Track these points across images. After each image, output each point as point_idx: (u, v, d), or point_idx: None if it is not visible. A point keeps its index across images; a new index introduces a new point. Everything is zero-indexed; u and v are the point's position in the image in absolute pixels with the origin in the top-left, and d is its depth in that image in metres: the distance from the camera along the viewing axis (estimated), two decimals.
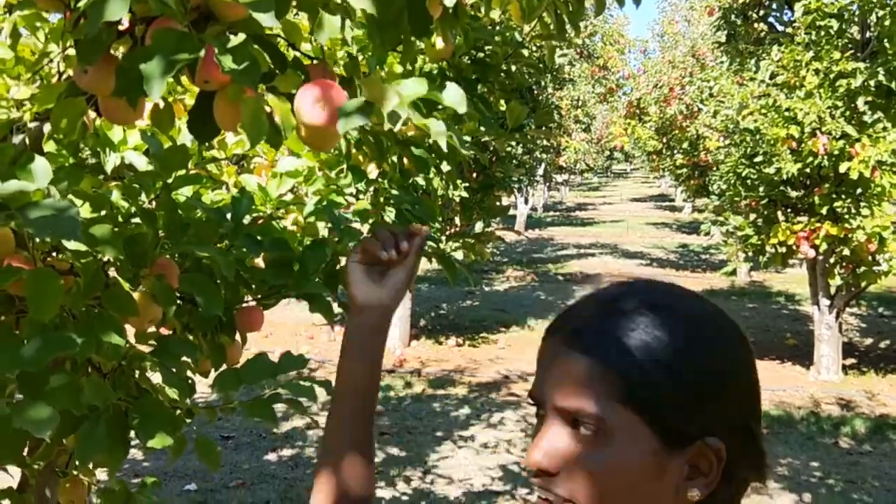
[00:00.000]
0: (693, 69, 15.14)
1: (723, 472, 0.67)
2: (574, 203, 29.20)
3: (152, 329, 1.57)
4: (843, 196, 5.96)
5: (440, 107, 1.25)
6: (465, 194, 6.25)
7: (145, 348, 1.55)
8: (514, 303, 10.39)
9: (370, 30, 1.13)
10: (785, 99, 5.82)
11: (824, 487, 4.71)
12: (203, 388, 1.70)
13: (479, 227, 4.78)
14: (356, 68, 1.19)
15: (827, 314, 6.82)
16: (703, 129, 12.45)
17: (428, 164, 1.25)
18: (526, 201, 18.94)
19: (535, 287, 11.75)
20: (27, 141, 1.29)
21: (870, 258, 6.08)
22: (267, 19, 0.92)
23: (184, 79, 1.31)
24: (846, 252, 6.12)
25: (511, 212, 17.08)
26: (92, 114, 1.38)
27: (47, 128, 1.34)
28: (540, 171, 16.08)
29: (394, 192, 1.96)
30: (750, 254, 6.86)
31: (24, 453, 1.72)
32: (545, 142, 10.30)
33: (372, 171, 2.07)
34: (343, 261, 1.83)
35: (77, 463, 1.85)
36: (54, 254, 1.45)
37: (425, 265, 10.14)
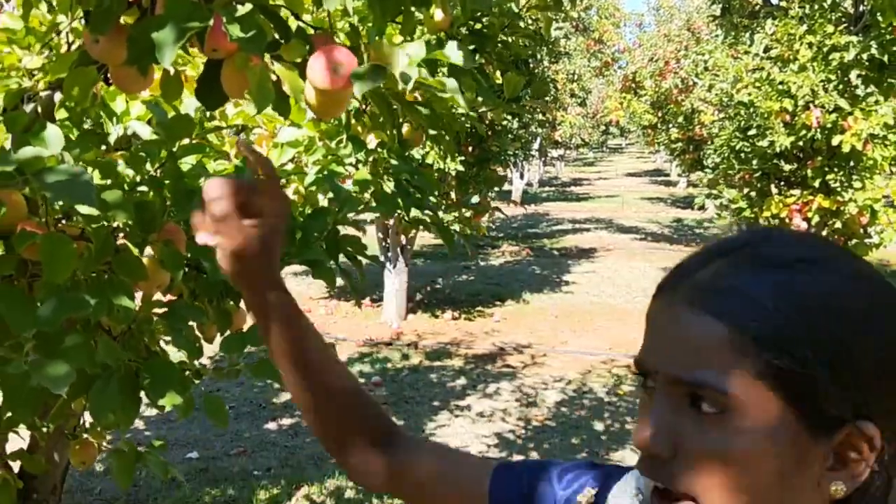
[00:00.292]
0: (688, 43, 15.12)
1: (876, 465, 0.56)
2: (569, 178, 29.21)
3: (157, 296, 1.62)
4: (836, 169, 6.01)
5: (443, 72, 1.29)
6: (460, 168, 6.30)
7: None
8: (509, 277, 10.46)
9: (370, 0, 1.17)
10: (779, 72, 5.85)
11: None
12: (207, 353, 1.75)
13: (476, 199, 4.81)
14: (358, 38, 1.23)
15: None
16: (698, 103, 12.47)
17: (439, 120, 1.29)
18: (521, 176, 18.97)
19: (530, 262, 11.82)
20: (39, 109, 1.33)
21: (861, 230, 6.14)
22: None
23: (190, 50, 1.35)
24: (838, 225, 6.18)
25: (506, 187, 17.10)
26: (98, 84, 1.42)
27: (58, 97, 1.38)
28: (535, 146, 16.10)
29: (393, 162, 2.00)
30: (743, 227, 6.92)
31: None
32: (541, 115, 10.30)
33: (371, 141, 2.11)
34: (344, 230, 1.88)
35: (89, 423, 1.91)
36: (64, 220, 1.49)
37: (420, 241, 10.17)
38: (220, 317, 1.72)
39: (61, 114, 1.41)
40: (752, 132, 6.20)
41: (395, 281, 7.79)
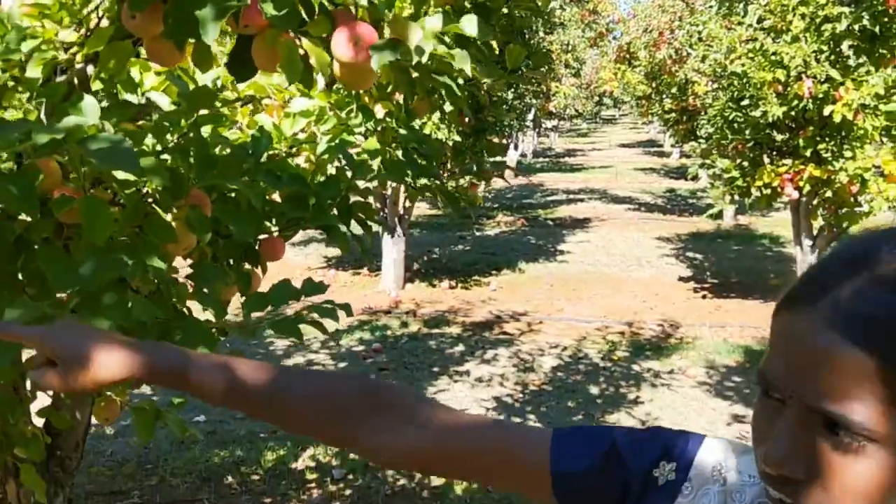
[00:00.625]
0: (682, 13, 15.08)
1: None
2: (563, 149, 29.23)
3: (179, 260, 1.72)
4: (827, 139, 6.11)
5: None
6: (457, 138, 6.37)
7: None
8: (504, 247, 10.58)
9: None
10: (772, 43, 5.92)
11: None
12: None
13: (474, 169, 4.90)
14: (376, 13, 1.31)
15: (809, 254, 7.02)
16: (691, 74, 12.49)
17: (457, 91, 1.38)
18: (515, 147, 19.00)
19: (525, 232, 11.92)
20: (75, 81, 1.41)
21: (852, 199, 6.26)
22: None
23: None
24: (829, 194, 6.28)
25: (500, 158, 17.12)
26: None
27: (90, 69, 1.46)
28: (530, 117, 16.12)
29: (401, 131, 2.09)
30: (736, 196, 7.02)
31: None
32: (536, 86, 10.35)
33: (379, 111, 2.19)
34: (354, 198, 1.97)
35: None
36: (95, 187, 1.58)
37: (417, 210, 10.24)
38: (241, 278, 1.81)
39: (96, 85, 1.49)
40: (744, 102, 6.28)
41: (393, 250, 7.90)
